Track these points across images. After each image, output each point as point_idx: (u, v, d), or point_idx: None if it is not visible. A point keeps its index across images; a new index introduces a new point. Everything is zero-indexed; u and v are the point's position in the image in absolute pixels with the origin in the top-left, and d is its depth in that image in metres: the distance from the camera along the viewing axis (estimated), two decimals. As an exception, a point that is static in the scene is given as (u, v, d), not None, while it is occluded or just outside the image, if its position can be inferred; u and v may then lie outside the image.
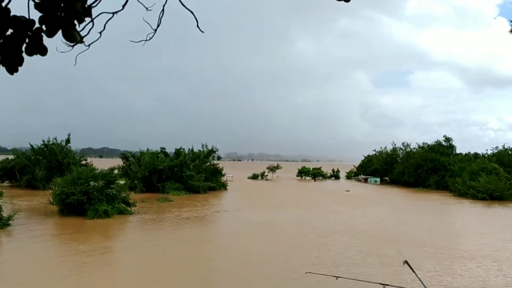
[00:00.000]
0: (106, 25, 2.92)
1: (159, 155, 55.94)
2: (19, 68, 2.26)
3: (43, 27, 2.16)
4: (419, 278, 6.69)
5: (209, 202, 44.50)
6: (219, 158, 75.04)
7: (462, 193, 55.37)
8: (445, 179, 67.59)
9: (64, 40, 2.35)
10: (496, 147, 79.17)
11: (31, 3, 2.18)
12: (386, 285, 7.52)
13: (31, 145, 55.07)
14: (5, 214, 26.37)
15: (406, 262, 6.61)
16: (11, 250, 20.76)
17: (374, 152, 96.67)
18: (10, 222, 26.23)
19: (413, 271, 6.55)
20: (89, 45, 2.94)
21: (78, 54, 3.24)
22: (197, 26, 3.24)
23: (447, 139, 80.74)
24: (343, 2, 2.87)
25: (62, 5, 2.09)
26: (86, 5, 2.25)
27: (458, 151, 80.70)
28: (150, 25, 3.16)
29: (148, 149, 58.35)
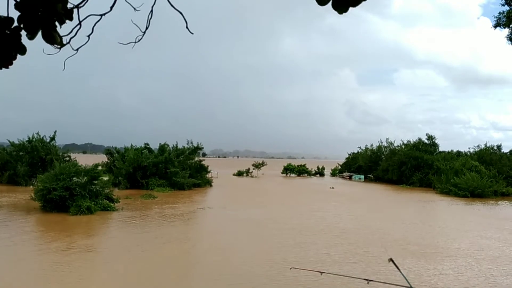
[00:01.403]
0: (94, 26, 2.88)
1: (143, 151, 55.59)
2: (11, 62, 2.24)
3: (22, 26, 2.14)
4: (403, 275, 6.74)
5: (194, 198, 44.36)
6: (204, 154, 74.99)
7: (445, 191, 56.18)
8: (428, 176, 68.46)
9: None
10: (478, 146, 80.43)
11: (11, 3, 2.14)
12: (370, 280, 7.57)
13: (10, 142, 54.35)
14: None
15: (391, 259, 6.66)
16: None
17: (359, 150, 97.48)
18: (-10, 218, 25.83)
19: (398, 268, 6.59)
20: (77, 49, 2.92)
21: (66, 59, 3.22)
22: (187, 27, 3.19)
23: (430, 137, 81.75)
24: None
25: (42, 5, 2.07)
26: (68, 7, 2.22)
27: (441, 149, 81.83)
28: (139, 27, 3.11)
29: (132, 145, 58.02)
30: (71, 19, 2.23)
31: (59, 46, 2.38)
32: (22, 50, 2.16)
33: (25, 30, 2.11)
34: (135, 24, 3.06)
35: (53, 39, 2.17)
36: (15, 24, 2.15)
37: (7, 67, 2.20)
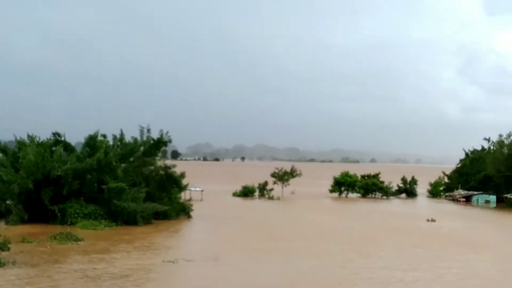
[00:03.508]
0: None
1: (54, 148, 55.78)
2: None
3: None
4: None
5: (156, 242, 44.50)
6: (176, 155, 75.97)
7: None
8: None
9: None
10: None
11: None
12: None
13: None
14: None
15: None
16: None
17: (485, 144, 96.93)
18: None
19: None
20: None
21: None
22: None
23: None
24: None
25: None
26: None
27: None
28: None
29: (32, 137, 58.09)
30: None
31: None
32: None
33: None
34: None
35: None
36: None
37: None
